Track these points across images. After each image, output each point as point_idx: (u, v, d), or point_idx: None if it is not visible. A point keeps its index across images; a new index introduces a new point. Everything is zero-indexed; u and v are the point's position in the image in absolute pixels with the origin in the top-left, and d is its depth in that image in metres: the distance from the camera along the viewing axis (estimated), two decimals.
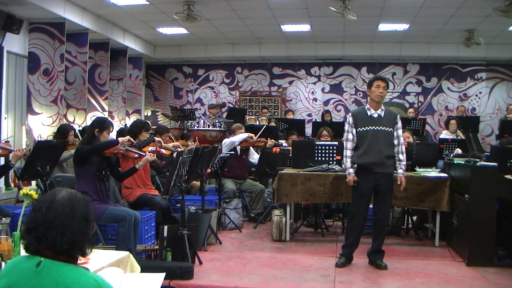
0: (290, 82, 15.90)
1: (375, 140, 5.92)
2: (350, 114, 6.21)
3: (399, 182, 5.96)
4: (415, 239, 7.53)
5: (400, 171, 5.97)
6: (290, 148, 9.09)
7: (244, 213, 8.80)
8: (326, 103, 15.60)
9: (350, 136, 6.06)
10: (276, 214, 7.45)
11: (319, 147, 7.82)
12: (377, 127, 5.95)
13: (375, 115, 5.98)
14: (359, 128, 6.00)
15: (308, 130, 13.39)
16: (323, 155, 7.76)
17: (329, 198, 7.18)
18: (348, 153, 6.07)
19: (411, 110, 13.75)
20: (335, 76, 15.60)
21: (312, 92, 15.74)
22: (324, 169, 7.31)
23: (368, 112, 6.01)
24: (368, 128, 5.95)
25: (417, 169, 7.34)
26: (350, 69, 15.48)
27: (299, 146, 8.09)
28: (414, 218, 8.00)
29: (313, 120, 14.96)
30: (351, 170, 6.05)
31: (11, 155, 5.95)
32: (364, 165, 5.98)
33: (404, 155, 6.00)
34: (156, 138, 6.96)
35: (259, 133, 9.84)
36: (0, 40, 9.47)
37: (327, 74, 15.65)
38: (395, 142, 5.97)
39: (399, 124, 6.02)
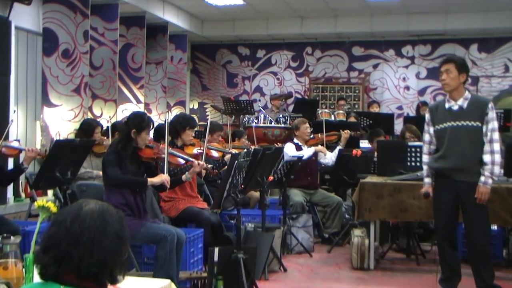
0: (375, 66, 15.77)
1: (456, 139, 5.78)
2: (427, 109, 6.14)
3: (476, 195, 5.71)
4: None
5: (481, 178, 5.70)
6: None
7: (315, 233, 8.78)
8: (421, 92, 15.40)
9: (427, 137, 6.05)
10: (356, 235, 7.39)
11: (413, 149, 7.72)
12: (458, 122, 5.79)
13: (455, 107, 5.82)
14: (436, 126, 5.93)
15: (398, 127, 13.22)
16: (418, 159, 7.64)
17: (425, 215, 7.05)
18: (424, 157, 6.10)
19: None
20: (434, 57, 15.34)
21: (404, 79, 15.56)
22: (419, 177, 7.16)
23: (446, 104, 5.88)
24: (446, 125, 5.83)
25: None
26: (454, 47, 15.18)
27: (387, 148, 8.02)
28: None
29: (405, 114, 14.81)
30: (427, 180, 6.06)
31: (21, 155, 6.09)
32: (441, 170, 5.90)
33: (494, 156, 5.69)
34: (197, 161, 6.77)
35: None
36: (6, 12, 9.57)
37: (423, 55, 15.44)
38: (485, 139, 5.77)
39: (491, 114, 5.74)
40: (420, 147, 7.54)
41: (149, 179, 5.81)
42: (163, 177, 5.83)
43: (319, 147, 9.49)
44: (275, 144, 10.21)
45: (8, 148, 6.13)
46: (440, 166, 5.87)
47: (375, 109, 13.92)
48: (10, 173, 6.29)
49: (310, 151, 9.14)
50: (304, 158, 8.87)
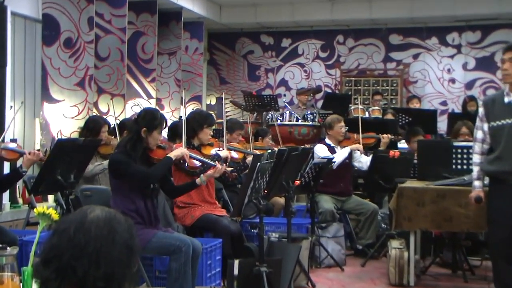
0: (415, 56, 15.72)
1: None
2: (481, 103, 6.08)
3: None
4: None
5: None
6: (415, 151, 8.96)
7: (347, 244, 8.77)
8: (469, 85, 15.30)
9: (479, 135, 6.02)
10: (394, 247, 7.38)
11: (459, 150, 7.68)
12: None
13: None
14: (492, 123, 5.88)
15: (442, 125, 13.17)
16: (465, 161, 7.61)
17: (474, 225, 7.01)
18: (475, 158, 6.06)
19: None
20: (485, 46, 15.25)
21: (449, 70, 15.49)
22: (466, 182, 7.13)
23: (506, 98, 5.83)
24: (505, 122, 5.79)
25: None
26: (508, 33, 15.01)
27: (429, 149, 8.00)
28: None
29: (450, 110, 14.74)
30: (477, 183, 6.03)
31: (20, 159, 6.10)
32: (497, 174, 5.86)
33: None
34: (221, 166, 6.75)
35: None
36: None
37: (471, 43, 15.33)
38: None
39: None
40: (468, 147, 7.52)
41: (171, 154, 5.88)
42: (182, 150, 5.95)
43: (355, 145, 9.35)
44: (306, 145, 10.19)
45: (7, 151, 6.11)
46: (496, 169, 5.81)
47: (415, 105, 13.85)
48: (7, 178, 6.29)
49: (345, 151, 9.06)
50: (339, 161, 8.83)
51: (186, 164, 6.18)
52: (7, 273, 3.18)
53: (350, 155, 9.20)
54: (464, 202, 6.91)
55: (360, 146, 9.29)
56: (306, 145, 10.11)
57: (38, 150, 6.22)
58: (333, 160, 8.69)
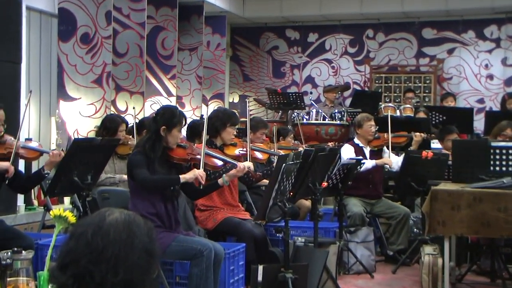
0: (450, 51, 15.63)
1: None
2: None
3: None
4: None
5: None
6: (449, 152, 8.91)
7: (377, 250, 8.75)
8: (508, 82, 15.19)
9: None
10: (427, 253, 7.35)
11: (497, 151, 7.62)
12: None
13: None
14: None
15: (479, 124, 13.10)
16: (504, 163, 7.55)
17: None
18: None
19: None
20: None
21: (486, 66, 15.38)
22: (506, 184, 7.09)
23: None
24: None
25: None
26: None
27: (464, 149, 7.94)
28: None
29: (487, 108, 14.65)
30: None
31: (41, 158, 6.11)
32: None
33: None
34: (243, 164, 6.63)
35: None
36: None
37: None
38: None
39: None
40: (508, 147, 7.46)
41: (181, 176, 5.82)
42: (197, 172, 5.83)
43: (383, 159, 9.22)
44: (328, 143, 10.15)
45: (27, 150, 6.11)
46: None
47: (450, 103, 13.75)
48: (29, 179, 6.28)
49: (369, 164, 8.98)
50: (360, 170, 8.78)
51: (201, 186, 6.12)
52: (22, 277, 3.20)
53: (380, 156, 9.16)
54: (503, 206, 6.85)
55: (390, 161, 9.18)
56: (330, 143, 10.06)
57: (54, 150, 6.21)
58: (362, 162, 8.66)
